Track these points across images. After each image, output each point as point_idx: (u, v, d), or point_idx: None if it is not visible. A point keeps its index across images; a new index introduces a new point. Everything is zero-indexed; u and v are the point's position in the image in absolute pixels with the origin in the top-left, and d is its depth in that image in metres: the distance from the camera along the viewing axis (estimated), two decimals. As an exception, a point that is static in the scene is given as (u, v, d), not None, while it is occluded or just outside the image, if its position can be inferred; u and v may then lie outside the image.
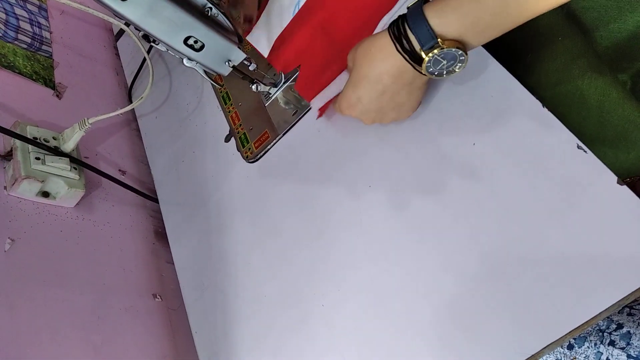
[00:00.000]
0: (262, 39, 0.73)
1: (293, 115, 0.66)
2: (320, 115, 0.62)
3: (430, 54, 0.43)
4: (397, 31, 0.46)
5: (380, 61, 0.48)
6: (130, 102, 0.96)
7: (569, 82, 0.56)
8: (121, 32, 1.10)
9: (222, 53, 0.59)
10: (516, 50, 0.58)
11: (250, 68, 0.63)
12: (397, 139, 0.54)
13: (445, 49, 0.43)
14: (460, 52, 0.43)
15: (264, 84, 0.67)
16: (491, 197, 0.47)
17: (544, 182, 0.44)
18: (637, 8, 0.53)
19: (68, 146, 0.70)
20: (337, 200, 0.58)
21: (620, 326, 0.84)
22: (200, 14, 0.55)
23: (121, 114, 0.77)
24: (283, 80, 0.67)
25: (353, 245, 0.55)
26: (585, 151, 0.43)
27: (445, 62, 0.44)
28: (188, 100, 0.83)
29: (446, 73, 0.46)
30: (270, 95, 0.69)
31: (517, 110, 0.47)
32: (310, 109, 0.64)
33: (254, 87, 0.66)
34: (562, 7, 0.58)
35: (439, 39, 0.43)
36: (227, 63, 0.61)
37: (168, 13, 0.53)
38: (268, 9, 0.74)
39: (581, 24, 0.58)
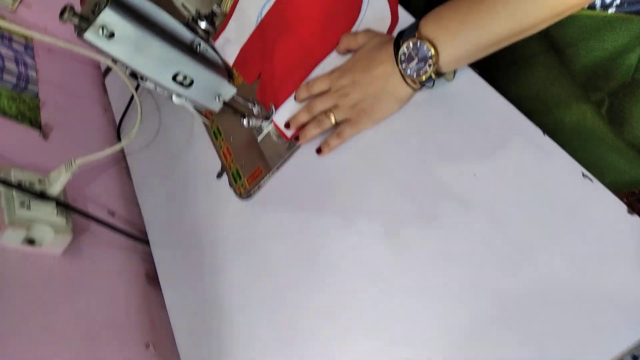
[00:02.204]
0: (228, 48, 0.73)
1: (287, 149, 0.64)
2: (292, 137, 0.62)
3: (405, 44, 0.49)
4: (400, 36, 0.50)
5: (382, 60, 0.52)
6: (119, 140, 0.94)
7: (545, 109, 0.55)
8: (109, 68, 1.09)
9: (212, 88, 0.58)
10: (490, 72, 0.57)
11: (255, 112, 0.63)
12: (396, 170, 0.52)
13: (417, 42, 0.47)
14: (430, 53, 0.47)
15: (256, 118, 0.65)
16: (497, 232, 0.44)
17: (552, 214, 0.42)
18: (615, 28, 0.53)
19: (54, 189, 0.67)
20: (335, 235, 0.55)
21: None
22: (189, 50, 0.54)
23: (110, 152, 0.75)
24: (274, 113, 0.66)
25: (353, 285, 0.52)
26: (591, 180, 0.42)
27: (416, 59, 0.48)
28: (178, 136, 0.81)
29: (418, 76, 0.49)
30: (262, 129, 0.67)
31: (518, 138, 0.46)
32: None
33: (245, 121, 0.64)
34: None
35: (416, 33, 0.48)
36: (217, 98, 0.59)
37: (156, 50, 0.51)
38: (234, 17, 0.75)
39: (556, 42, 0.57)
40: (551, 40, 0.56)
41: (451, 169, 0.48)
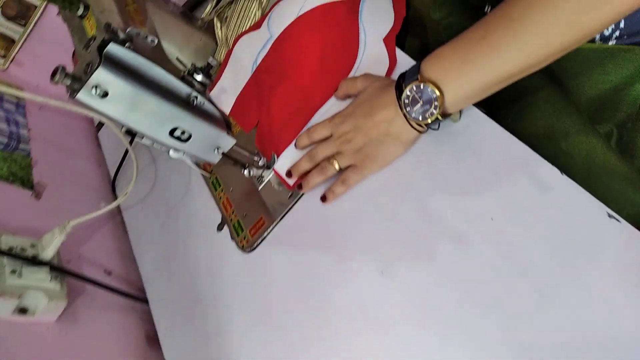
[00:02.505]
0: (224, 97, 0.73)
1: (289, 197, 0.62)
2: (295, 185, 0.60)
3: (408, 87, 0.48)
4: (401, 80, 0.50)
5: (384, 104, 0.51)
6: (115, 194, 0.92)
7: (553, 144, 0.54)
8: (102, 122, 1.07)
9: (211, 141, 0.56)
10: (495, 107, 0.56)
11: (260, 163, 0.61)
12: (406, 216, 0.50)
13: (421, 85, 0.46)
14: (435, 94, 0.46)
15: (256, 168, 0.64)
16: (521, 279, 0.42)
17: (579, 259, 0.40)
18: (618, 59, 0.52)
19: (47, 254, 0.64)
20: (344, 286, 0.52)
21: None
22: (186, 104, 0.52)
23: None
24: (276, 162, 0.64)
25: (365, 336, 0.49)
26: (618, 220, 0.39)
27: (421, 102, 0.47)
28: (175, 189, 0.79)
29: (424, 119, 0.47)
30: (263, 179, 0.65)
31: (534, 178, 0.44)
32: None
33: (246, 172, 0.62)
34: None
35: (418, 76, 0.47)
36: (216, 150, 0.57)
37: (152, 106, 0.49)
38: (230, 66, 0.75)
39: (557, 75, 0.56)
40: (552, 74, 0.55)
41: (466, 213, 0.46)
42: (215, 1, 0.87)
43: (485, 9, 0.60)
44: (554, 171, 0.43)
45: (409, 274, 0.48)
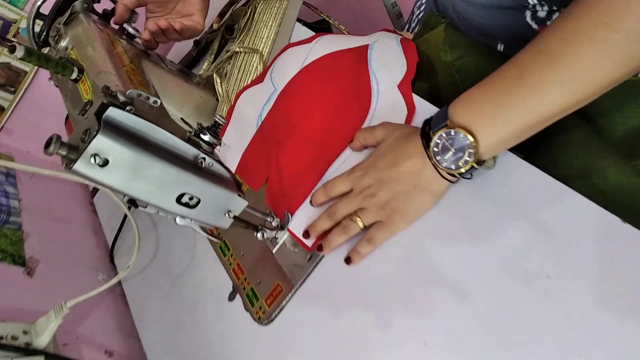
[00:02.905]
0: (228, 155, 0.69)
1: (308, 260, 0.56)
2: (314, 247, 0.55)
3: (436, 135, 0.44)
4: (427, 127, 0.46)
5: (410, 154, 0.47)
6: (113, 264, 0.86)
7: (589, 185, 0.50)
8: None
9: (221, 205, 0.51)
10: (523, 150, 0.52)
11: (274, 224, 0.56)
12: (445, 277, 0.45)
13: (451, 130, 0.43)
14: (469, 141, 0.42)
15: (269, 229, 0.58)
16: (591, 344, 0.36)
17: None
18: None
19: (42, 341, 0.57)
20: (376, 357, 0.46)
21: None
22: (193, 167, 0.48)
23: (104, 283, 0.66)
24: (290, 221, 0.59)
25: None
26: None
27: (452, 150, 0.43)
28: (179, 255, 0.74)
29: (457, 168, 0.43)
30: (277, 240, 0.60)
31: (590, 228, 0.39)
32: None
33: (259, 235, 0.57)
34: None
35: (447, 121, 0.43)
36: (227, 214, 0.52)
37: (157, 172, 0.45)
38: (232, 122, 0.71)
39: (587, 113, 0.53)
40: (581, 112, 0.52)
41: (517, 272, 0.41)
42: (213, 57, 0.85)
43: (498, 47, 0.57)
44: (614, 219, 0.38)
45: (457, 344, 0.42)
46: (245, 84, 0.74)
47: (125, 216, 0.84)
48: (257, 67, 0.74)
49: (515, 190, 0.43)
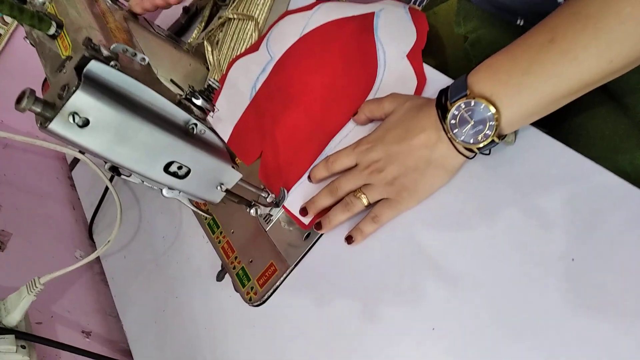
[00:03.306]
0: (219, 127, 0.65)
1: (305, 238, 0.53)
2: (311, 225, 0.51)
3: (454, 105, 0.40)
4: (443, 97, 0.42)
5: (422, 126, 0.43)
6: (92, 240, 0.81)
7: (615, 166, 0.47)
8: (77, 159, 0.97)
9: (213, 176, 0.47)
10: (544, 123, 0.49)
11: (269, 200, 0.52)
12: (457, 261, 0.42)
13: (471, 101, 0.39)
14: (490, 112, 0.38)
15: (263, 206, 0.55)
16: (619, 334, 0.34)
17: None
18: None
19: (13, 318, 0.53)
20: (385, 349, 0.43)
21: None
22: (184, 133, 0.44)
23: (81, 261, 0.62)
24: (286, 197, 0.55)
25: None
26: None
27: (472, 122, 0.39)
28: (164, 231, 0.69)
29: (475, 142, 0.40)
30: (272, 217, 0.56)
31: (621, 209, 0.36)
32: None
33: (252, 211, 0.53)
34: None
35: (467, 91, 0.40)
36: (219, 187, 0.48)
37: (143, 136, 0.41)
38: (224, 92, 0.67)
39: (613, 91, 0.50)
40: (606, 90, 0.49)
41: (538, 254, 0.38)
42: (203, 25, 0.79)
43: (518, 22, 0.54)
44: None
45: (469, 329, 0.39)
46: (238, 53, 0.69)
47: (106, 190, 0.79)
48: (251, 35, 0.69)
49: (536, 166, 0.40)
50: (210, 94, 0.46)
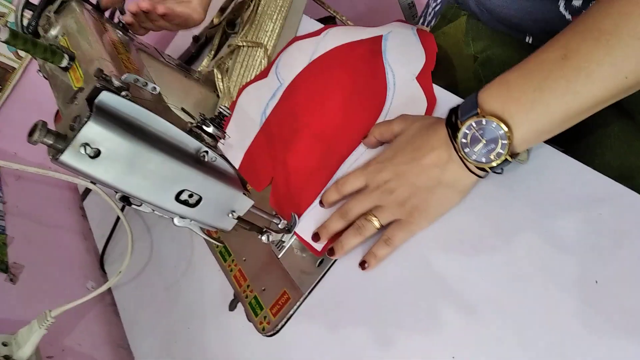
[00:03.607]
0: (230, 153, 0.65)
1: (318, 265, 0.52)
2: (324, 251, 0.50)
3: (465, 124, 0.39)
4: (453, 116, 0.41)
5: (433, 146, 0.43)
6: (103, 271, 0.80)
7: (631, 185, 0.46)
8: (88, 189, 0.97)
9: (224, 204, 0.47)
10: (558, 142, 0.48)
11: (281, 226, 0.51)
12: (476, 284, 0.41)
13: (482, 119, 0.38)
14: (502, 131, 0.37)
15: (275, 232, 0.54)
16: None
17: None
18: None
19: (24, 353, 0.52)
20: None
21: None
22: (195, 161, 0.43)
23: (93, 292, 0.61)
24: (298, 223, 0.54)
25: None
26: None
27: (483, 141, 0.39)
28: (175, 261, 0.69)
29: (487, 162, 0.39)
30: (284, 244, 0.56)
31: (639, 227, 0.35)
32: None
33: (264, 238, 0.52)
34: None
35: (478, 109, 0.39)
36: (230, 215, 0.48)
37: (154, 166, 0.40)
38: (234, 118, 0.67)
39: (628, 106, 0.49)
40: (620, 106, 0.48)
41: (559, 278, 0.36)
42: (213, 53, 0.80)
43: (527, 39, 0.54)
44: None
45: (490, 357, 0.37)
46: (248, 80, 0.70)
47: (117, 220, 0.79)
48: (261, 61, 0.70)
49: (555, 186, 0.39)
50: (221, 121, 0.46)
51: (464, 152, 0.40)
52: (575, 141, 0.49)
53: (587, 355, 0.34)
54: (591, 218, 0.36)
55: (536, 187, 0.40)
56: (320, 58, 0.62)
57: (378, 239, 0.47)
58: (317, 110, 0.58)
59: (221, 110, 0.46)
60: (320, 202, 0.52)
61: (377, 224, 0.46)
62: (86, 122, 0.37)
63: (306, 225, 0.53)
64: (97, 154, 0.38)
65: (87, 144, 0.37)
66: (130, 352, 0.68)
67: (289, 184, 0.57)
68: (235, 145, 0.65)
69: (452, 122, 0.41)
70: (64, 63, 0.52)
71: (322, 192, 0.53)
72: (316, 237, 0.51)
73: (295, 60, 0.65)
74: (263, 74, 0.68)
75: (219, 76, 0.73)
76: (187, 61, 0.87)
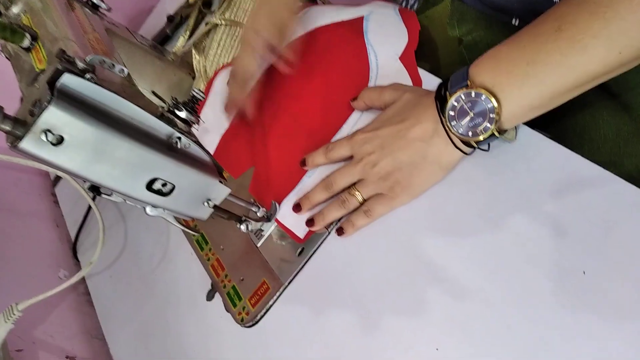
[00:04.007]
0: (205, 138, 0.63)
1: (299, 254, 0.50)
2: (307, 238, 0.49)
3: (454, 96, 0.38)
4: (443, 89, 0.40)
5: (420, 118, 0.41)
6: (77, 259, 0.78)
7: (621, 172, 0.46)
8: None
9: (199, 192, 0.45)
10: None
11: (259, 214, 0.49)
12: (465, 278, 0.40)
13: (472, 91, 0.37)
14: (491, 104, 0.36)
15: (254, 221, 0.52)
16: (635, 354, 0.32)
17: None
18: None
19: (-12, 349, 0.50)
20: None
21: None
22: (167, 148, 0.41)
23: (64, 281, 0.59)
24: (278, 210, 0.53)
25: None
26: None
27: (471, 114, 0.37)
28: (150, 250, 0.66)
29: (474, 135, 0.38)
30: (263, 233, 0.54)
31: (631, 216, 0.34)
32: (327, 235, 0.49)
33: (242, 227, 0.50)
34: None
35: (468, 81, 0.38)
36: (206, 203, 0.46)
37: (123, 153, 0.38)
38: (210, 102, 0.64)
39: (613, 88, 0.49)
40: (608, 91, 0.47)
41: (545, 267, 0.35)
42: (188, 34, 0.77)
43: (513, 22, 0.52)
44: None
45: (474, 348, 0.37)
46: (225, 60, 0.67)
47: (90, 207, 0.76)
48: (239, 42, 0.67)
49: (542, 173, 0.38)
50: (194, 105, 0.44)
51: (450, 124, 0.39)
52: (564, 127, 0.48)
53: (572, 346, 0.33)
54: (579, 206, 0.36)
55: (524, 174, 0.39)
56: (300, 40, 0.59)
57: (358, 208, 0.46)
58: (297, 94, 0.55)
59: (195, 93, 0.43)
60: (303, 162, 0.51)
61: (360, 197, 0.46)
62: (47, 106, 0.34)
63: (287, 212, 0.52)
64: (60, 140, 0.35)
65: (48, 130, 0.35)
66: (105, 343, 0.66)
67: (269, 170, 0.55)
68: (211, 129, 0.63)
69: (442, 95, 0.40)
70: (26, 43, 0.49)
71: (313, 153, 0.51)
72: (297, 207, 0.50)
73: (274, 42, 0.62)
74: (240, 56, 0.65)
75: (197, 57, 0.70)
76: (161, 42, 0.83)
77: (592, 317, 0.33)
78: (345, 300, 0.45)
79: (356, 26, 0.56)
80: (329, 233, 0.49)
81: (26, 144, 0.34)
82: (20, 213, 0.84)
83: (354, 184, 0.46)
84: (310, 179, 0.51)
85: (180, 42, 0.77)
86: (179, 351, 0.57)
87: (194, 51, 0.69)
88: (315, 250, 0.49)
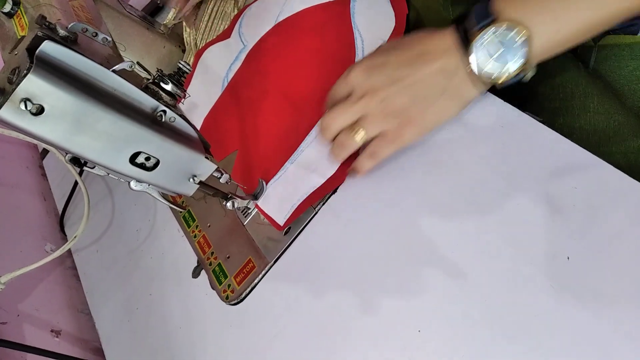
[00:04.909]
0: (194, 113, 0.61)
1: (285, 233, 0.50)
2: (286, 225, 0.49)
3: (480, 33, 0.35)
4: (464, 22, 0.37)
5: (440, 49, 0.38)
6: (63, 233, 0.77)
7: (607, 156, 0.45)
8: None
9: (184, 167, 0.44)
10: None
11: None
12: (451, 261, 0.39)
13: (503, 26, 0.34)
14: (521, 37, 0.34)
15: (241, 199, 0.51)
16: (618, 340, 0.32)
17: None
18: None
19: (-30, 320, 0.49)
20: (369, 353, 0.41)
21: None
22: (151, 121, 0.40)
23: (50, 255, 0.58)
24: (265, 189, 0.52)
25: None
26: None
27: (500, 50, 0.35)
28: (137, 225, 0.66)
29: (500, 75, 0.35)
30: (250, 211, 0.53)
31: (624, 204, 0.34)
32: (314, 214, 0.48)
33: (229, 204, 0.50)
34: (587, 66, 0.49)
35: (494, 16, 0.35)
36: (191, 179, 0.45)
37: (105, 125, 0.37)
38: (198, 74, 0.63)
39: (608, 82, 0.48)
40: (600, 79, 0.46)
41: (530, 252, 0.35)
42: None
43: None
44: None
45: (456, 332, 0.37)
46: (217, 31, 0.66)
47: (76, 182, 0.75)
48: (230, 14, 0.65)
49: (530, 158, 0.38)
50: (181, 78, 0.43)
51: (478, 60, 0.36)
52: (555, 116, 0.47)
53: (554, 333, 0.33)
54: (566, 191, 0.35)
55: (514, 159, 0.38)
56: (287, 21, 0.58)
57: (362, 152, 0.43)
58: (284, 75, 0.55)
59: (181, 66, 0.42)
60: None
61: (362, 138, 0.41)
62: (26, 74, 0.33)
63: (269, 199, 0.51)
64: (40, 110, 0.34)
65: (27, 99, 0.34)
66: (90, 318, 0.65)
67: (257, 147, 0.54)
68: (200, 103, 0.62)
69: (464, 27, 0.37)
70: (7, 8, 0.47)
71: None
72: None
73: (261, 22, 0.61)
74: (225, 35, 0.64)
75: (187, 29, 0.68)
76: (152, 13, 0.81)
77: (575, 302, 0.33)
78: (329, 280, 0.45)
79: (343, 8, 0.54)
80: (316, 212, 0.48)
81: (4, 113, 0.33)
82: (7, 185, 0.83)
83: (354, 123, 0.41)
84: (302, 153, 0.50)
85: (171, 14, 0.75)
86: (163, 327, 0.57)
87: (184, 24, 0.67)
88: (301, 230, 0.49)
